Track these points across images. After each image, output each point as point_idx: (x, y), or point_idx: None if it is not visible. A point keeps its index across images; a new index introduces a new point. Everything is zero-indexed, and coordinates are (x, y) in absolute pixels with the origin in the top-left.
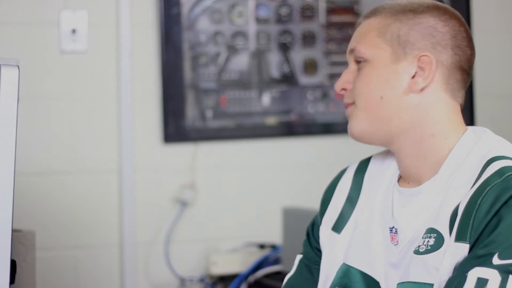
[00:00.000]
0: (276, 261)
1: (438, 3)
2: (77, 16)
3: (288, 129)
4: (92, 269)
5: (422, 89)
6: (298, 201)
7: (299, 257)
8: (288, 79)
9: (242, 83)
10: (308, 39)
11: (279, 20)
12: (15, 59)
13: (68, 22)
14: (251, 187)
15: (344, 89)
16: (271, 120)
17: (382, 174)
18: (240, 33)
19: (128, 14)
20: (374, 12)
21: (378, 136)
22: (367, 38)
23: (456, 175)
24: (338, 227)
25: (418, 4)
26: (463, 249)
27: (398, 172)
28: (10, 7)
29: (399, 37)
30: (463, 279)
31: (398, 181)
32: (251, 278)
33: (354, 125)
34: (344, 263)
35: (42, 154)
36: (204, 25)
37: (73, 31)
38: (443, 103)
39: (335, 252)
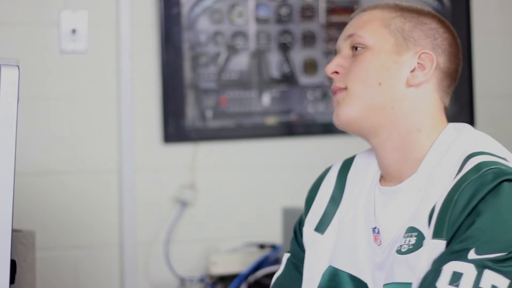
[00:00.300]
0: (276, 261)
1: (434, 12)
2: (77, 16)
3: (288, 129)
4: (92, 269)
5: (419, 84)
6: (298, 201)
7: (286, 255)
8: (288, 79)
9: (242, 83)
10: (308, 39)
11: (279, 20)
12: (15, 59)
13: (68, 22)
14: (251, 187)
15: (336, 72)
16: (271, 120)
17: (365, 173)
18: (240, 33)
19: (128, 14)
20: (375, 6)
21: (365, 125)
22: (370, 26)
23: (435, 173)
24: (321, 227)
25: (421, 8)
26: (440, 245)
27: (380, 171)
28: (10, 7)
29: (403, 31)
30: (438, 272)
31: (380, 180)
32: (251, 278)
33: (344, 111)
34: (330, 266)
35: (42, 154)
36: (204, 25)
37: (73, 31)
38: (433, 101)
39: (319, 253)
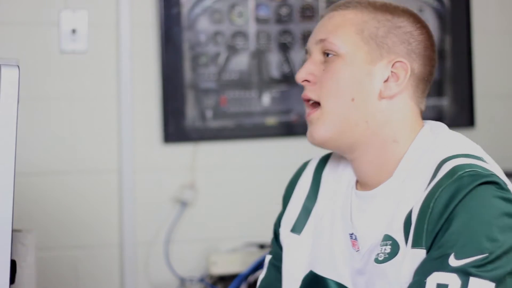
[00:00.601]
0: None
1: (410, 9)
2: (77, 16)
3: (288, 129)
4: (92, 269)
5: (392, 96)
6: None
7: (268, 257)
8: (288, 79)
9: (242, 83)
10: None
11: (279, 20)
12: (15, 59)
13: (68, 22)
14: (251, 187)
15: (307, 80)
16: (271, 120)
17: (340, 175)
18: (240, 33)
19: (128, 14)
20: (347, 6)
21: (340, 143)
22: (343, 31)
23: (409, 178)
24: (297, 228)
25: (395, 6)
26: (421, 255)
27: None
28: (10, 7)
29: (376, 37)
30: (422, 285)
31: (356, 183)
32: (251, 278)
33: (318, 131)
34: (311, 271)
35: (42, 154)
36: (204, 25)
37: (73, 31)
38: (409, 111)
39: (297, 256)
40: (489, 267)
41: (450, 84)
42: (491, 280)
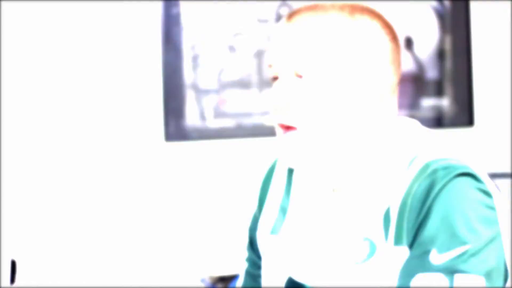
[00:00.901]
0: None
1: (374, 10)
2: (77, 16)
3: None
4: (95, 268)
5: (373, 113)
6: None
7: (244, 266)
8: None
9: (242, 83)
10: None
11: (279, 20)
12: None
13: (68, 21)
14: (251, 187)
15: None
16: None
17: (313, 176)
18: (240, 33)
19: (128, 14)
20: (312, 18)
21: (319, 164)
22: (317, 51)
23: (381, 178)
24: (276, 228)
25: (361, 10)
26: (403, 252)
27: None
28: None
29: (350, 54)
30: None
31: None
32: None
33: (297, 155)
34: (290, 277)
35: (43, 154)
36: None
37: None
38: (386, 121)
39: (277, 260)
40: (473, 260)
41: (450, 84)
42: (479, 274)
